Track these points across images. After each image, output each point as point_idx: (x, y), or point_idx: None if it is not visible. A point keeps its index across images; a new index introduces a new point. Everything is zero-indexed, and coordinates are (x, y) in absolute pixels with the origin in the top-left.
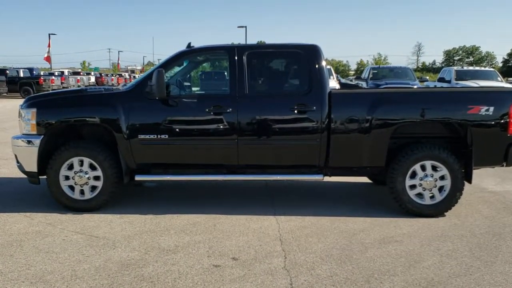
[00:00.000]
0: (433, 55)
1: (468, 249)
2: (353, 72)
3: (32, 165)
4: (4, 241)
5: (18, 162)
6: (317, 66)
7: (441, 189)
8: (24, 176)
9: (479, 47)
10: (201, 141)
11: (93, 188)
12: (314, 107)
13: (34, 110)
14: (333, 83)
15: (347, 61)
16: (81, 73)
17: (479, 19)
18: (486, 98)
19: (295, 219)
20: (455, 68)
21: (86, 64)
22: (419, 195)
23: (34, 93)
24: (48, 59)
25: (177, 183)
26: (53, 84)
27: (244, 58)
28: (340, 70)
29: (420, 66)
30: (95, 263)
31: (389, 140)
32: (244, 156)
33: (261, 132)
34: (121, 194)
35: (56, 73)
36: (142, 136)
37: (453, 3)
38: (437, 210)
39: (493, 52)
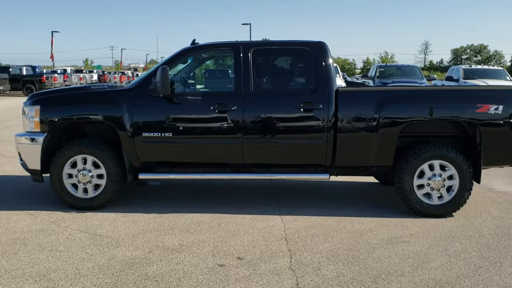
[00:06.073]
0: (441, 54)
1: (476, 249)
2: (359, 71)
3: (35, 163)
4: (8, 239)
5: (21, 160)
6: (323, 63)
7: (449, 189)
8: (27, 174)
9: (487, 45)
10: (205, 139)
11: (97, 186)
12: (321, 105)
13: (38, 107)
14: (339, 82)
15: (353, 59)
16: (84, 71)
17: (487, 18)
18: (495, 96)
19: (301, 219)
20: (463, 66)
21: (89, 62)
22: (427, 195)
23: (37, 91)
24: (51, 57)
25: (181, 181)
26: (56, 82)
27: (250, 55)
28: (346, 68)
29: (427, 65)
30: (99, 262)
31: (397, 139)
32: (249, 155)
33: (267, 131)
34: (125, 192)
35: (59, 71)
36: (146, 134)
37: (460, 1)
38: (445, 210)
39: (501, 51)
